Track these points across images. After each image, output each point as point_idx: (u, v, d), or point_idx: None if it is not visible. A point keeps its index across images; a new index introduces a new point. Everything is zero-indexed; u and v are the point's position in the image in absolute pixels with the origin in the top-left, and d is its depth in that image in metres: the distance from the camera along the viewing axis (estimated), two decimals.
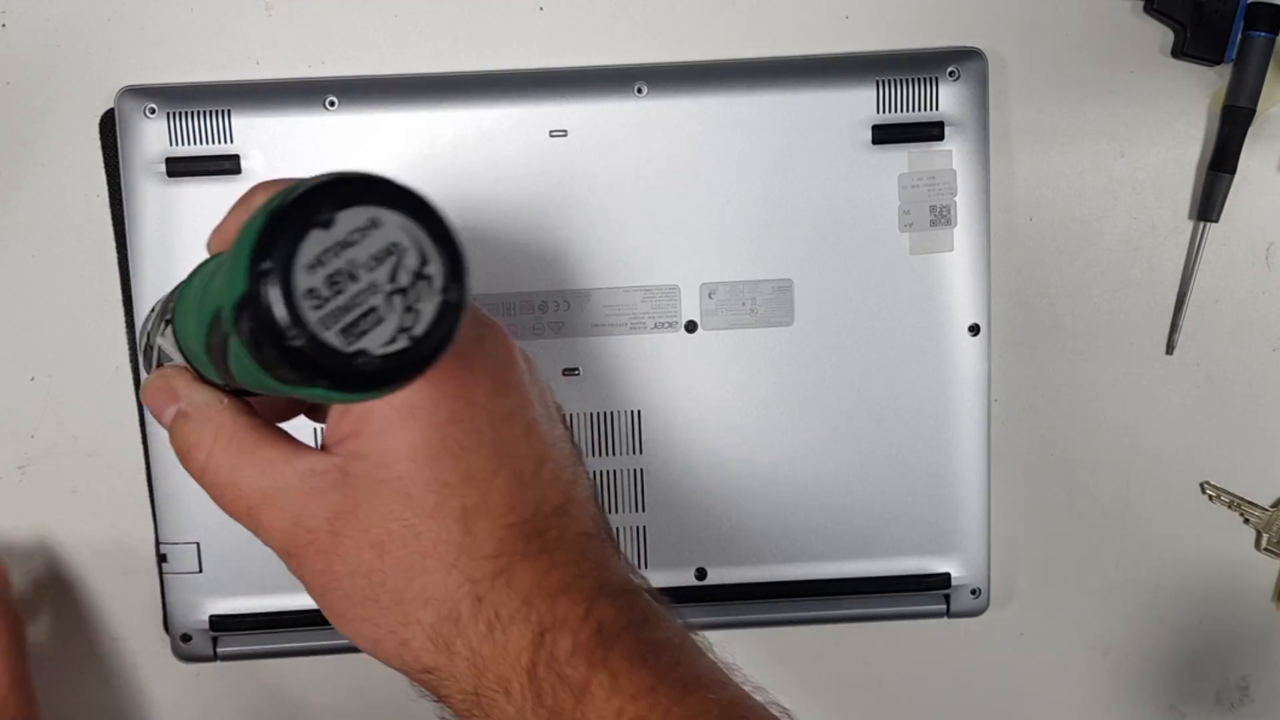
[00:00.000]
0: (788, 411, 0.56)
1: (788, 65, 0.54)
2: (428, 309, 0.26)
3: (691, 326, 0.55)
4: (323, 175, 0.25)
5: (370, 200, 0.25)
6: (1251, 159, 0.56)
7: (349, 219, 0.25)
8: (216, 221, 0.53)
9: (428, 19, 0.54)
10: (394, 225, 0.26)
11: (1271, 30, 0.55)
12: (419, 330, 0.26)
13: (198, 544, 0.55)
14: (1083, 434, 0.59)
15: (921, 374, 0.56)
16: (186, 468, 0.34)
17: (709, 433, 0.56)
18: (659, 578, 0.56)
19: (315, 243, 0.25)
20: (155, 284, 0.53)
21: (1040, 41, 0.56)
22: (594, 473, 0.56)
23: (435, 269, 0.26)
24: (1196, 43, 0.55)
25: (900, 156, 0.54)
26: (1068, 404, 0.58)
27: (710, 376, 0.55)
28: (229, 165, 0.53)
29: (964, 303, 0.55)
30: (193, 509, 0.55)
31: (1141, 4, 0.55)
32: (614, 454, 0.56)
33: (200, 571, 0.55)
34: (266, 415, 0.35)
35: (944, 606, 0.57)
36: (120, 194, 0.53)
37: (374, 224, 0.25)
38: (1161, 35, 0.56)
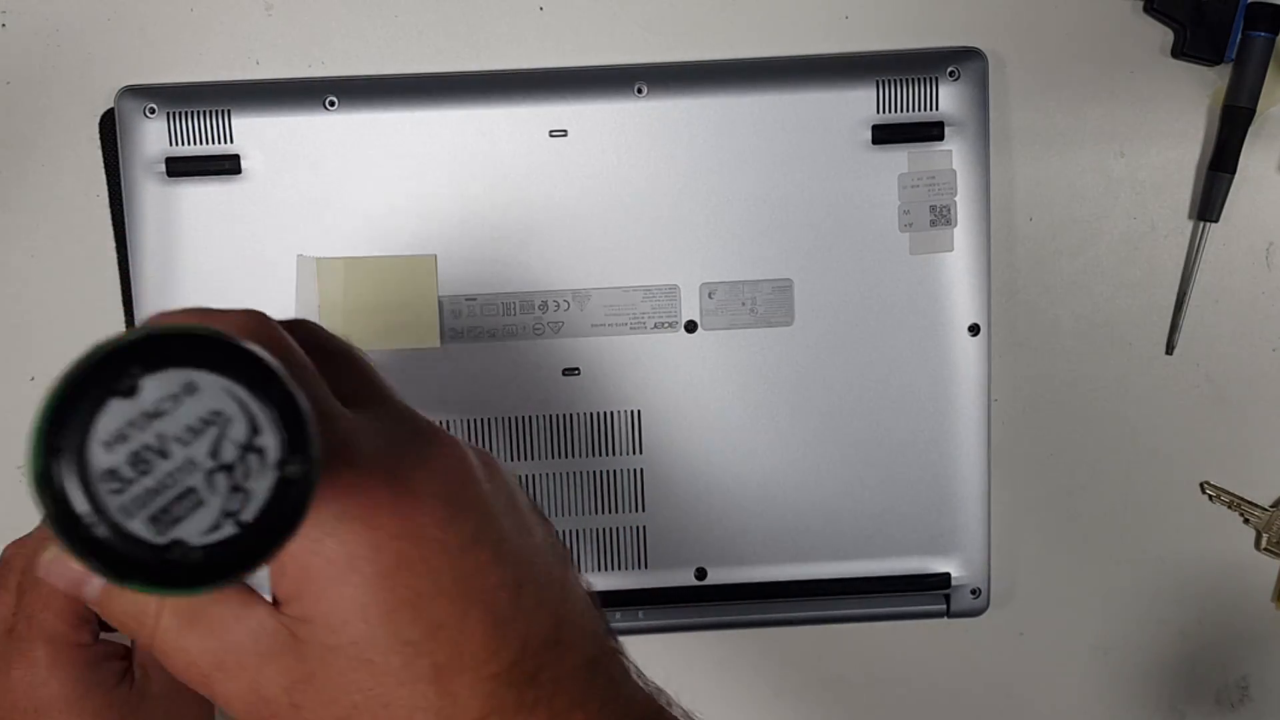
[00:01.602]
0: (788, 411, 0.56)
1: (788, 65, 0.54)
2: (260, 488, 0.22)
3: (691, 326, 0.55)
4: (131, 332, 0.22)
5: (184, 361, 0.22)
6: (1251, 159, 0.56)
7: (158, 385, 0.21)
8: (217, 221, 0.53)
9: (428, 19, 0.54)
10: (215, 389, 0.22)
11: (1271, 30, 0.55)
12: (248, 515, 0.22)
13: None
14: (1083, 434, 0.58)
15: (921, 374, 0.56)
16: (136, 641, 0.30)
17: (709, 433, 0.56)
18: (659, 578, 0.56)
19: (115, 414, 0.21)
20: (155, 284, 0.53)
21: (1040, 41, 0.56)
22: (594, 473, 0.56)
23: (269, 439, 0.22)
24: (1196, 43, 0.55)
25: (900, 156, 0.54)
26: (1068, 404, 0.58)
27: (710, 376, 0.55)
28: (229, 165, 0.53)
29: (964, 303, 0.55)
30: None
31: (1141, 4, 0.55)
32: (614, 454, 0.56)
33: None
34: None
35: (944, 606, 0.57)
36: (120, 194, 0.53)
37: (189, 389, 0.22)
38: (1161, 35, 0.56)
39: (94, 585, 0.29)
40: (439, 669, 0.28)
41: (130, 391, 0.21)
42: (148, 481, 0.22)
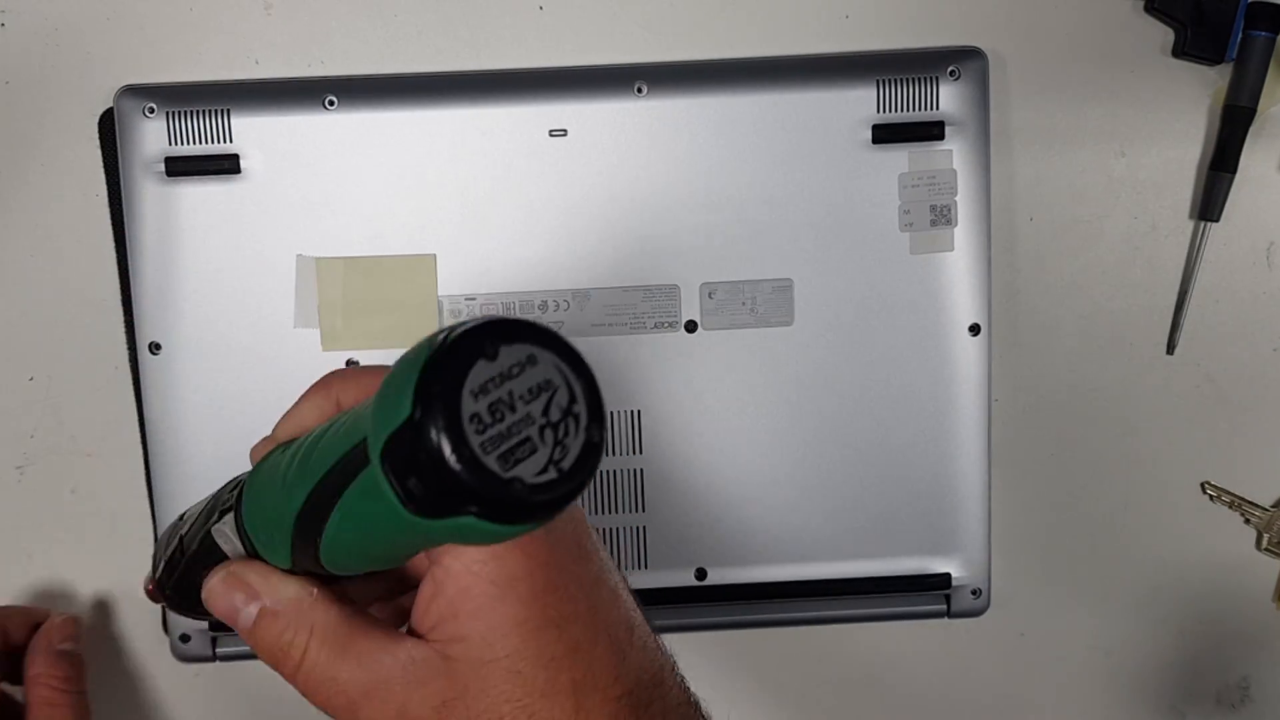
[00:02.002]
0: (788, 411, 0.56)
1: (788, 65, 0.54)
2: (575, 445, 0.27)
3: (691, 326, 0.55)
4: (480, 318, 0.27)
5: (528, 339, 0.27)
6: (1252, 158, 0.56)
7: (510, 354, 0.26)
8: (216, 221, 0.53)
9: (428, 19, 0.54)
10: (548, 363, 0.27)
11: (1272, 30, 0.54)
12: (567, 464, 0.26)
13: None
14: (1083, 434, 0.58)
15: (921, 374, 0.55)
16: (278, 669, 0.33)
17: (709, 433, 0.56)
18: (659, 578, 0.56)
19: (481, 371, 0.26)
20: (155, 284, 0.53)
21: (1040, 41, 0.56)
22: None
23: (581, 409, 0.27)
24: (1197, 42, 0.55)
25: (900, 156, 0.54)
26: (1068, 404, 0.58)
27: (710, 376, 0.55)
28: (228, 165, 0.53)
29: (964, 302, 0.55)
30: None
31: (1142, 4, 0.55)
32: (614, 454, 0.55)
33: None
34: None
35: (944, 606, 0.57)
36: (120, 194, 0.53)
37: (531, 361, 0.26)
38: (1162, 35, 0.56)
39: (249, 613, 0.33)
40: (576, 685, 0.31)
41: (493, 355, 0.26)
42: (500, 428, 0.26)
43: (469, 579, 0.30)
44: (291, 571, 0.32)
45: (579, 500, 0.30)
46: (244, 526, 0.33)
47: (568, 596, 0.31)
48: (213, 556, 0.34)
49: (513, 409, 0.26)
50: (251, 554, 0.34)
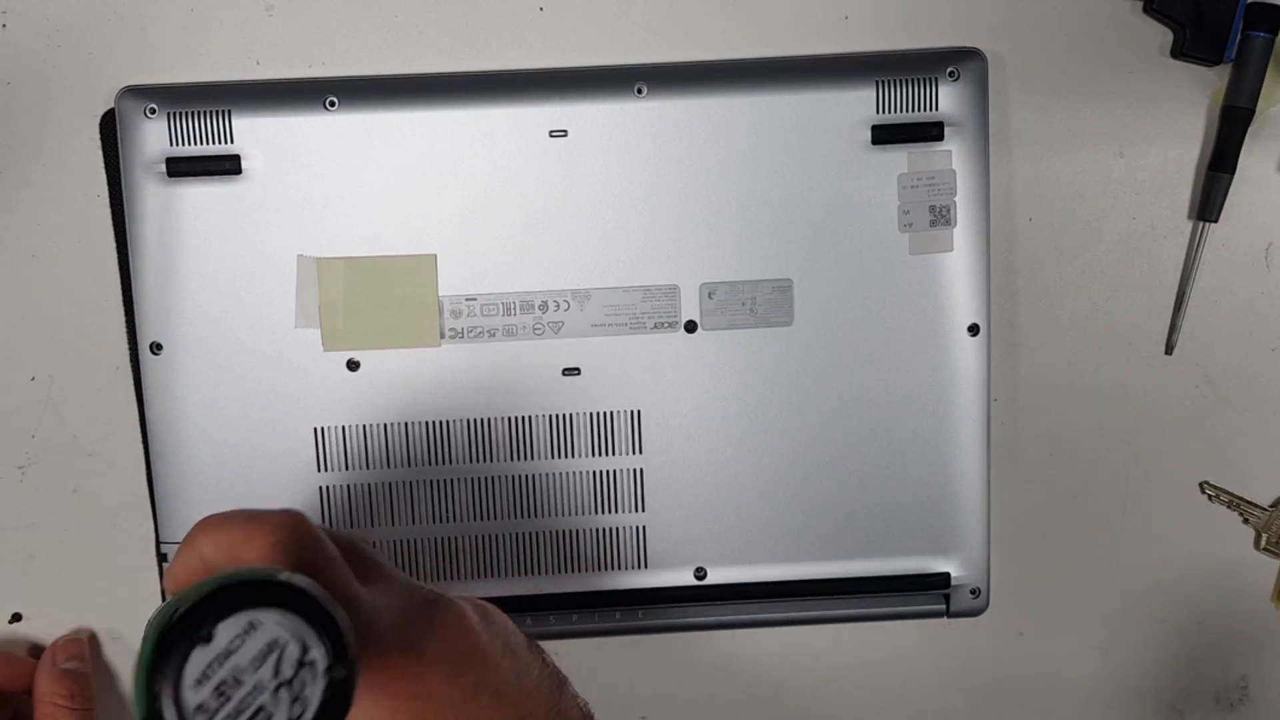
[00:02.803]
0: (788, 411, 0.56)
1: (788, 65, 0.54)
2: (314, 693, 0.27)
3: (691, 326, 0.55)
4: (199, 587, 0.27)
5: (245, 604, 0.27)
6: (1251, 159, 0.56)
7: (228, 629, 0.27)
8: (217, 221, 0.53)
9: (428, 19, 0.54)
10: (271, 623, 0.27)
11: (1271, 30, 0.55)
12: (308, 717, 0.27)
13: None
14: (1083, 434, 0.59)
15: (921, 374, 0.56)
16: None
17: (709, 433, 0.56)
18: (659, 578, 0.56)
19: (199, 660, 0.27)
20: (155, 284, 0.53)
21: (1040, 41, 0.56)
22: (594, 473, 0.56)
23: (317, 654, 0.28)
24: (1196, 43, 0.55)
25: (900, 157, 0.54)
26: (1068, 404, 0.58)
27: (710, 376, 0.55)
28: (229, 165, 0.53)
29: (963, 303, 0.55)
30: (193, 509, 0.55)
31: (1141, 4, 0.55)
32: (614, 454, 0.56)
33: None
34: None
35: (944, 606, 0.57)
36: (120, 194, 0.53)
37: (251, 627, 0.27)
38: (1161, 35, 0.56)
39: None
40: None
41: (208, 639, 0.27)
42: (229, 708, 0.27)
43: None
44: None
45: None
46: None
47: None
48: None
49: (239, 683, 0.27)
50: None
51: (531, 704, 0.35)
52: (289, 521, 0.33)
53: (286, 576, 0.28)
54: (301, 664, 0.27)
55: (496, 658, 0.35)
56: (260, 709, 0.27)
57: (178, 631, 0.27)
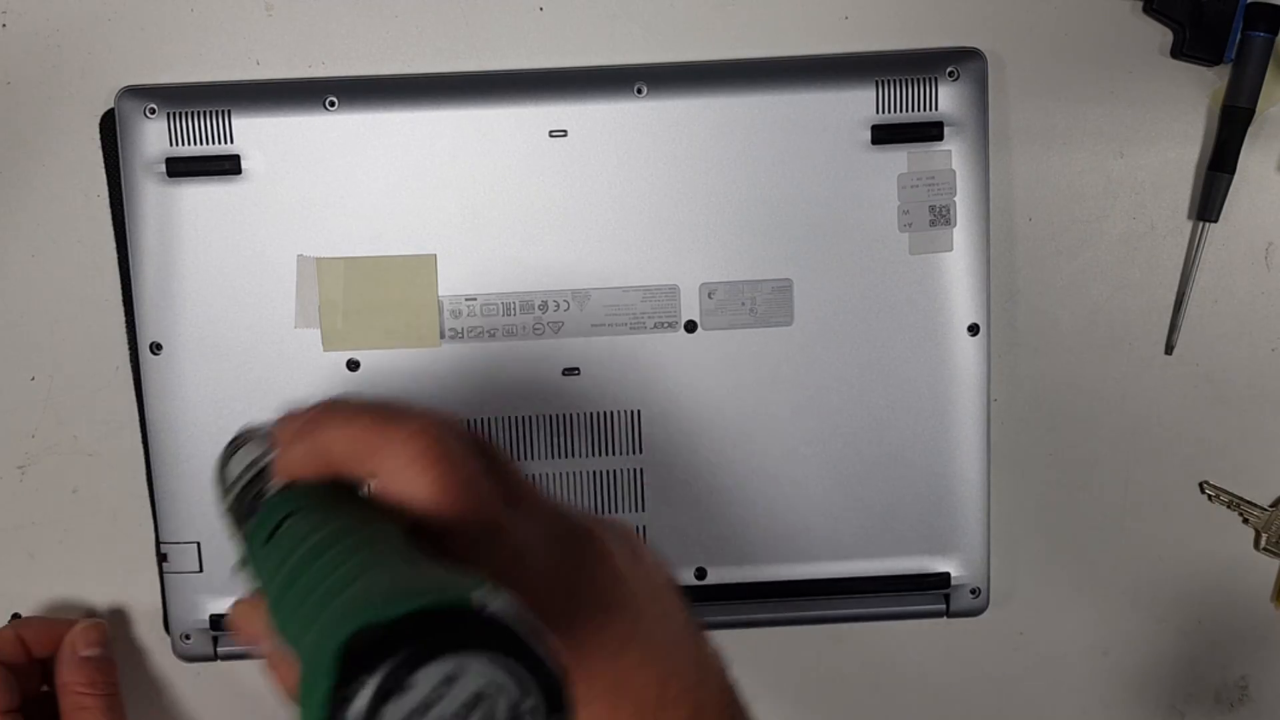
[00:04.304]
0: (788, 411, 0.56)
1: (788, 65, 0.54)
2: None
3: (691, 326, 0.55)
4: (385, 613, 0.23)
5: (447, 649, 0.23)
6: (1251, 159, 0.56)
7: (428, 677, 0.23)
8: (217, 221, 0.53)
9: (428, 19, 0.54)
10: (476, 672, 0.23)
11: (1271, 30, 0.55)
12: None
13: (198, 544, 0.55)
14: (1083, 434, 0.59)
15: (921, 374, 0.56)
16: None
17: (709, 433, 0.56)
18: None
19: (395, 711, 0.22)
20: (155, 284, 0.53)
21: (1040, 41, 0.56)
22: (594, 473, 0.56)
23: (535, 700, 0.24)
24: (1196, 43, 0.55)
25: (900, 156, 0.54)
26: (1068, 404, 0.58)
27: (710, 376, 0.55)
28: (229, 165, 0.53)
29: (963, 303, 0.55)
30: (193, 509, 0.55)
31: (1141, 4, 0.55)
32: (614, 454, 0.56)
33: (200, 571, 0.55)
34: None
35: (944, 606, 0.57)
36: (120, 194, 0.53)
37: (457, 673, 0.23)
38: (1161, 35, 0.56)
39: (257, 650, 0.31)
40: None
41: (406, 689, 0.22)
42: None
43: None
44: None
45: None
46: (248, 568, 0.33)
47: (584, 676, 0.29)
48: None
49: None
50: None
51: (677, 657, 0.32)
52: (431, 429, 0.29)
53: (490, 607, 0.24)
54: (517, 713, 0.23)
55: (645, 603, 0.31)
56: None
57: (362, 669, 0.22)
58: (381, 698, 0.22)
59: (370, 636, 0.23)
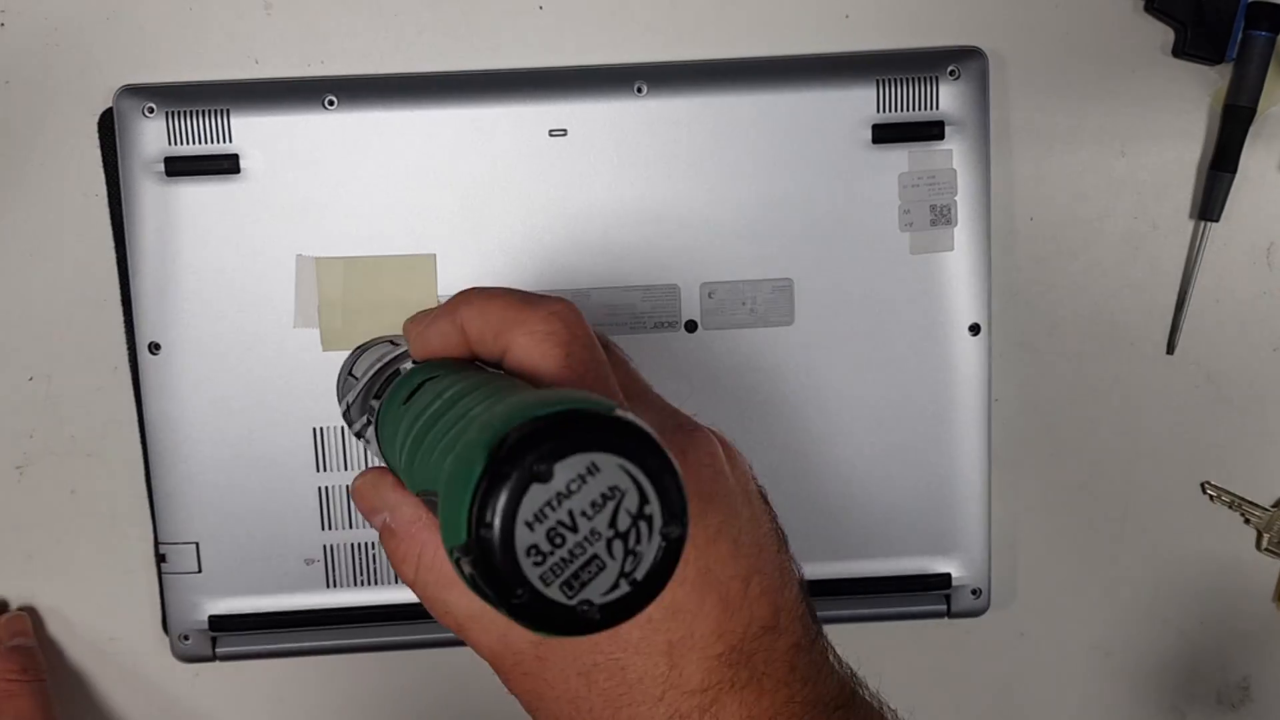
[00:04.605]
0: (788, 411, 0.55)
1: (788, 65, 0.54)
2: (649, 551, 0.25)
3: (691, 326, 0.55)
4: (535, 412, 0.24)
5: (587, 445, 0.24)
6: (1252, 158, 0.56)
7: (567, 469, 0.24)
8: (216, 221, 0.53)
9: (428, 19, 0.54)
10: (611, 468, 0.25)
11: (1272, 29, 0.54)
12: (640, 574, 0.25)
13: (197, 544, 0.55)
14: (1083, 434, 0.58)
15: (921, 374, 0.55)
16: (400, 579, 0.34)
17: None
18: None
19: (535, 498, 0.24)
20: (154, 283, 0.53)
21: (1040, 41, 0.56)
22: None
23: (655, 507, 0.25)
24: (1197, 42, 0.55)
25: (900, 156, 0.54)
26: (1068, 404, 0.58)
27: (710, 376, 0.55)
28: (228, 165, 0.53)
29: (964, 302, 0.55)
30: (192, 509, 0.55)
31: (1142, 3, 0.55)
32: None
33: (199, 571, 0.55)
34: None
35: (944, 606, 0.57)
36: (119, 194, 0.53)
37: (592, 470, 0.24)
38: (1162, 34, 0.56)
39: (376, 522, 0.34)
40: (672, 645, 0.31)
41: (547, 477, 0.24)
42: (561, 553, 0.24)
43: None
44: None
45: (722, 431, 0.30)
46: (382, 448, 0.34)
47: None
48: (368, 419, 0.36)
49: (574, 529, 0.24)
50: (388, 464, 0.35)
51: (762, 558, 0.33)
52: (565, 312, 0.31)
53: (625, 415, 0.25)
54: (638, 518, 0.25)
55: (738, 503, 0.33)
56: (593, 558, 0.25)
57: (512, 460, 0.24)
58: (524, 483, 0.24)
59: (519, 432, 0.24)
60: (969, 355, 0.55)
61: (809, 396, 0.55)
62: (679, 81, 0.54)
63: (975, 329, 0.55)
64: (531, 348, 0.31)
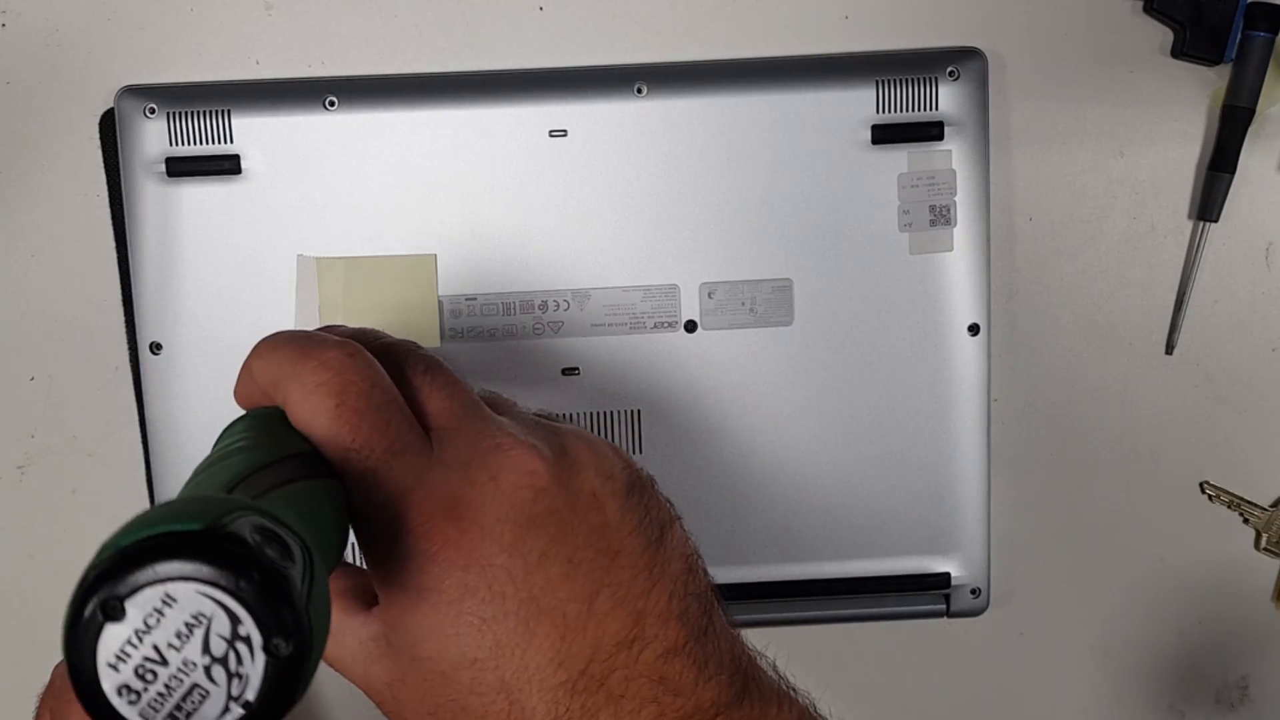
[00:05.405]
0: (788, 411, 0.56)
1: (788, 65, 0.54)
2: (254, 671, 0.24)
3: (691, 326, 0.55)
4: (119, 541, 0.23)
5: (157, 577, 0.23)
6: (1251, 159, 0.56)
7: (140, 604, 0.23)
8: (217, 221, 0.53)
9: (428, 19, 0.54)
10: (189, 595, 0.23)
11: (1271, 30, 0.55)
12: (251, 695, 0.24)
13: None
14: (1083, 434, 0.58)
15: (921, 374, 0.56)
16: None
17: (709, 433, 0.56)
18: None
19: (113, 637, 0.23)
20: (155, 284, 0.53)
21: (1040, 41, 0.56)
22: None
23: (249, 627, 0.23)
24: (1196, 42, 0.55)
25: (900, 156, 0.54)
26: (1068, 404, 0.58)
27: (710, 376, 0.55)
28: (229, 165, 0.53)
29: (964, 302, 0.55)
30: None
31: (1141, 4, 0.55)
32: None
33: None
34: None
35: (944, 606, 0.57)
36: (120, 194, 0.53)
37: (168, 601, 0.23)
38: (1161, 35, 0.56)
39: None
40: (505, 682, 0.30)
41: (119, 615, 0.23)
42: (157, 687, 0.23)
43: (394, 581, 0.31)
44: None
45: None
46: None
47: (491, 596, 0.30)
48: None
49: (164, 663, 0.23)
50: None
51: (615, 568, 0.31)
52: (337, 359, 0.31)
53: (223, 528, 0.23)
54: (233, 641, 0.23)
55: (575, 517, 0.31)
56: (194, 687, 0.23)
57: (84, 600, 0.23)
58: (97, 626, 0.23)
59: (95, 570, 0.23)
60: (968, 355, 0.56)
61: (808, 396, 0.56)
62: (679, 82, 0.54)
63: (974, 329, 0.55)
64: (303, 400, 0.31)
